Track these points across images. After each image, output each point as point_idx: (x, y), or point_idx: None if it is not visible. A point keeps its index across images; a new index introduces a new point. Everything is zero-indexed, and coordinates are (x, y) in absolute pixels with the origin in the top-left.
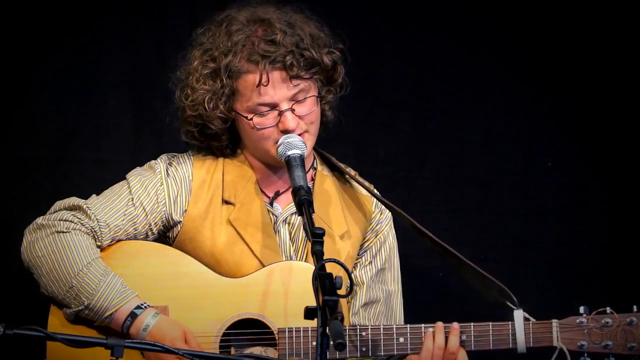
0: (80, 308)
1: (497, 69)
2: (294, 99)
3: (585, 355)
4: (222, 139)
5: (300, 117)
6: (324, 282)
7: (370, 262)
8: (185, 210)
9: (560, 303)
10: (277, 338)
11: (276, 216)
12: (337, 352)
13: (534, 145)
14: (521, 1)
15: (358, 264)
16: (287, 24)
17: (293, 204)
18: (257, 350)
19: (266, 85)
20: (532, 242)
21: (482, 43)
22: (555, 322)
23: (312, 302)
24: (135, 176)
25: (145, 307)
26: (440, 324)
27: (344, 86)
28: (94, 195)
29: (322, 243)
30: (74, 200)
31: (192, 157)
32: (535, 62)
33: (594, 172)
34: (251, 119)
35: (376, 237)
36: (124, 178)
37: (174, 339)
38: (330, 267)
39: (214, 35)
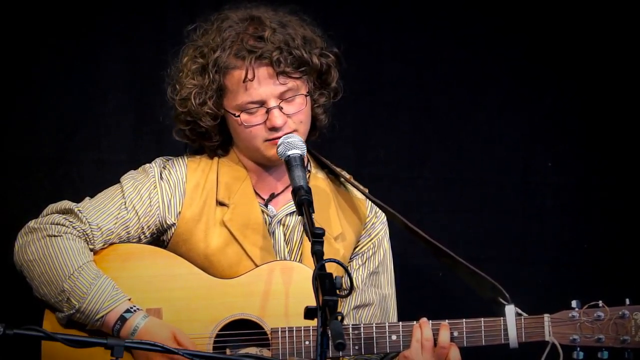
0: (71, 312)
1: (497, 69)
2: (282, 98)
3: (578, 349)
4: (213, 138)
5: (288, 115)
6: (323, 282)
7: (362, 265)
8: (179, 212)
9: (560, 303)
10: (270, 338)
11: (271, 217)
12: (336, 352)
13: (534, 145)
14: (521, 1)
15: (349, 267)
16: (279, 23)
17: (288, 205)
18: (252, 351)
19: (252, 81)
20: (532, 242)
21: (482, 43)
22: (547, 317)
23: (312, 302)
24: (129, 180)
25: (135, 310)
26: (424, 319)
27: (339, 91)
28: (87, 198)
29: (322, 243)
30: (66, 204)
31: (186, 159)
32: (535, 62)
33: (594, 172)
34: (239, 115)
35: (370, 241)
36: (118, 181)
37: (163, 341)
38: (329, 267)
39: (205, 33)
